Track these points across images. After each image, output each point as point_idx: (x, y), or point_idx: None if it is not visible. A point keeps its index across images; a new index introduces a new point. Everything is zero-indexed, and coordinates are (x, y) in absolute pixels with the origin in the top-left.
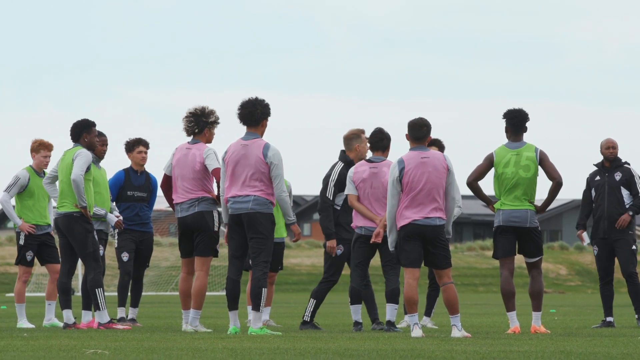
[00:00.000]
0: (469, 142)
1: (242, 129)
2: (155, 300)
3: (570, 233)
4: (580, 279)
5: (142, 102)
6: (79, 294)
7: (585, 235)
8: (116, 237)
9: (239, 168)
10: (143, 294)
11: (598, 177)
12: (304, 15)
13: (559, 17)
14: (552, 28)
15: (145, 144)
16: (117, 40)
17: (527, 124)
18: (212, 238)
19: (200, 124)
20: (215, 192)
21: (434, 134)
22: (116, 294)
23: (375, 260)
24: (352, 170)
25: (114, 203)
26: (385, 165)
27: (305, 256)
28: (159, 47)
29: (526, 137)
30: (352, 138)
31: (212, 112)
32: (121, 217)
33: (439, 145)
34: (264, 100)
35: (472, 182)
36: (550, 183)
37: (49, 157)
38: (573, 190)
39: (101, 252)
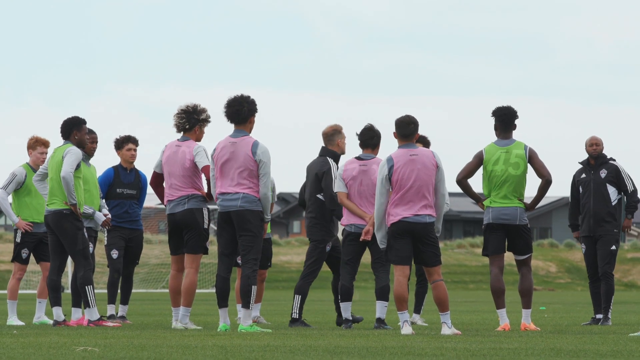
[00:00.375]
0: (459, 139)
1: (231, 127)
2: (145, 297)
3: (559, 230)
4: (570, 277)
5: (132, 100)
6: (68, 291)
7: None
8: (106, 235)
9: (227, 165)
10: (133, 291)
11: (584, 175)
12: (294, 12)
13: (549, 14)
14: (543, 25)
15: (135, 142)
16: (108, 37)
17: (516, 122)
18: (201, 235)
19: (192, 121)
20: (205, 190)
21: (422, 131)
22: (106, 291)
23: (365, 258)
24: (341, 167)
25: (104, 200)
26: (375, 163)
27: (295, 253)
28: (150, 44)
29: (516, 134)
30: (333, 134)
31: (203, 110)
32: (109, 215)
33: (424, 141)
34: (249, 97)
35: (462, 180)
36: (539, 180)
37: (46, 153)
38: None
39: (91, 249)
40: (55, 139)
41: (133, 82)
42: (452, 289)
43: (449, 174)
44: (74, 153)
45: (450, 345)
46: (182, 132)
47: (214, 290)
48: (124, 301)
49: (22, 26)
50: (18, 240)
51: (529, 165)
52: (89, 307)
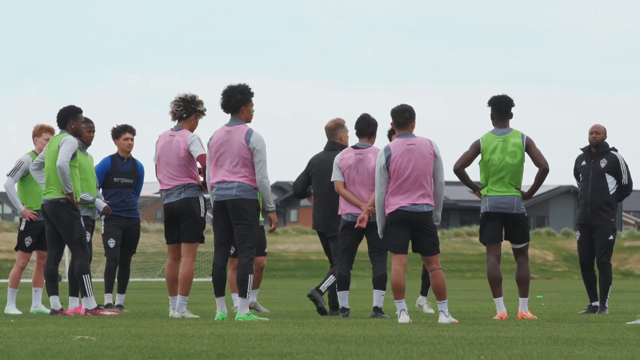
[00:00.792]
0: (456, 128)
1: (228, 116)
2: (142, 286)
3: (557, 219)
4: (567, 265)
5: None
6: (65, 280)
7: None
8: (103, 224)
9: (222, 154)
10: (130, 280)
11: (584, 162)
12: (291, 1)
13: (546, 3)
14: (540, 14)
15: (132, 131)
16: (105, 25)
17: (513, 110)
18: (198, 224)
19: (189, 109)
20: (201, 179)
21: (419, 120)
22: (103, 280)
23: (362, 247)
24: (338, 156)
25: (100, 190)
26: (371, 152)
27: (292, 242)
28: (147, 33)
29: (512, 123)
30: (335, 128)
31: (201, 102)
32: (108, 202)
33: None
34: (239, 86)
35: (459, 169)
36: (536, 169)
37: None
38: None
39: (88, 238)
40: (54, 128)
41: (131, 70)
42: (449, 277)
43: (446, 163)
44: (70, 142)
45: (447, 333)
46: (177, 121)
47: (210, 279)
48: (121, 290)
49: (20, 14)
50: (22, 228)
51: (526, 154)
52: (86, 296)
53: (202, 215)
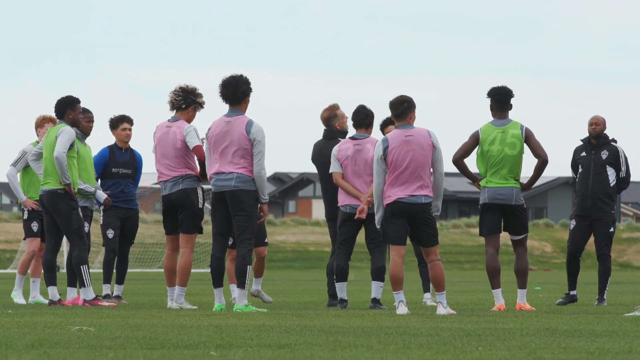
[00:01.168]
0: (455, 119)
1: (226, 107)
2: (141, 277)
3: (555, 210)
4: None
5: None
6: (64, 270)
7: None
8: (101, 214)
9: (222, 145)
10: (128, 271)
11: (584, 154)
12: None
13: None
14: (538, 5)
15: (130, 121)
16: (103, 16)
17: (512, 101)
18: (196, 215)
19: (188, 100)
20: (198, 169)
21: (419, 111)
22: (101, 270)
23: (360, 238)
24: (336, 148)
25: (99, 181)
26: (369, 142)
27: (290, 233)
28: (146, 25)
29: (511, 114)
30: (331, 118)
31: (201, 95)
32: (108, 193)
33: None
34: (242, 76)
35: (458, 160)
36: (535, 160)
37: None
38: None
39: (86, 229)
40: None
41: (129, 61)
42: (448, 269)
43: (445, 154)
44: (67, 133)
45: (445, 325)
46: (175, 111)
47: (209, 270)
48: (120, 281)
49: (18, 6)
50: (25, 217)
51: (525, 145)
52: (84, 286)
53: (200, 206)
